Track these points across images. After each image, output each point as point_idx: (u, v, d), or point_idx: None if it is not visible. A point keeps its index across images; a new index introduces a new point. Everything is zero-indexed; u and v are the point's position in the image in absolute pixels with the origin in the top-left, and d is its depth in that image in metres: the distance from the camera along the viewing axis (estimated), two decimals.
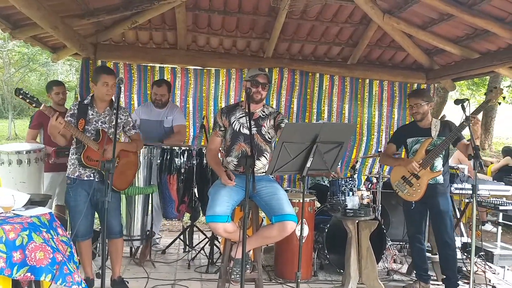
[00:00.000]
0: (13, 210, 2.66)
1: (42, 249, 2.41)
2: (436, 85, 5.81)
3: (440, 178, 3.58)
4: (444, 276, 3.63)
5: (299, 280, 2.65)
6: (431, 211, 3.65)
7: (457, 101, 3.26)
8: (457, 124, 3.47)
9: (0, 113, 17.82)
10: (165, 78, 5.20)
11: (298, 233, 3.65)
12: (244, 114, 3.21)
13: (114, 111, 3.21)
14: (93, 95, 3.37)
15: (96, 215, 3.46)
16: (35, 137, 4.45)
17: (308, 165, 2.70)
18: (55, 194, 4.33)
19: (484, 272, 4.01)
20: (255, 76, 3.13)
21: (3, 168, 3.89)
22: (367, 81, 5.61)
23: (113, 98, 3.38)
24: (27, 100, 3.10)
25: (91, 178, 3.27)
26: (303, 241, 2.80)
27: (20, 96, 3.08)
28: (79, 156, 3.24)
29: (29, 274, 2.35)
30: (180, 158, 4.35)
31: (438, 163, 3.58)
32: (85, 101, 3.36)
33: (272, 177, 3.30)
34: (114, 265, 3.43)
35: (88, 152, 3.26)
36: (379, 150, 5.39)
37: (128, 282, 3.41)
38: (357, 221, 2.99)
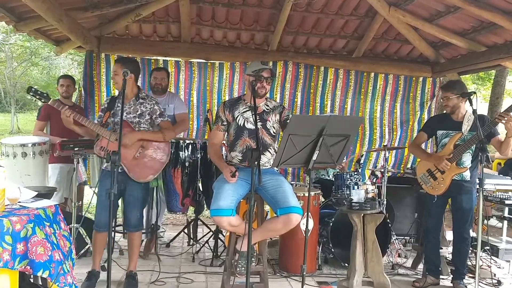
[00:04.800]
0: (19, 202, 2.67)
1: (43, 245, 2.43)
2: (441, 79, 5.77)
3: (467, 175, 3.51)
4: (453, 268, 3.66)
5: (304, 273, 2.64)
6: (453, 206, 3.61)
7: (464, 94, 3.24)
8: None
9: (3, 107, 17.85)
10: (169, 71, 5.18)
11: (303, 227, 3.65)
12: (248, 108, 3.19)
13: (140, 100, 3.32)
14: None
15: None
16: (43, 129, 4.47)
17: (314, 158, 2.68)
18: (65, 187, 4.33)
19: (489, 266, 4.00)
20: (260, 71, 3.10)
21: (8, 161, 3.90)
22: (372, 74, 5.57)
23: (140, 89, 3.40)
24: (37, 97, 3.27)
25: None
26: (308, 235, 2.79)
27: (31, 94, 3.26)
28: (95, 147, 3.25)
29: (28, 267, 2.36)
30: (184, 151, 4.34)
31: (466, 158, 3.51)
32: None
33: (277, 170, 3.28)
34: (129, 258, 3.43)
35: (102, 143, 3.27)
36: (384, 144, 5.37)
37: (136, 274, 3.41)
38: (362, 214, 2.97)
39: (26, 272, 2.52)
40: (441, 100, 3.64)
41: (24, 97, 17.63)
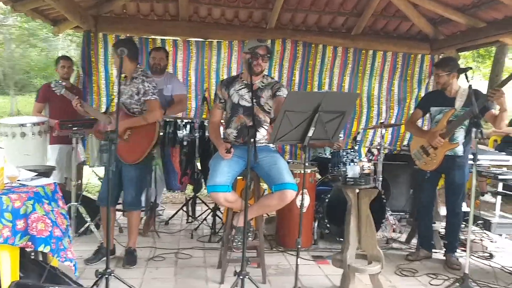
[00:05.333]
0: (19, 180, 2.72)
1: (43, 221, 2.48)
2: (440, 56, 5.74)
3: (460, 150, 3.55)
4: (446, 241, 3.75)
5: (299, 246, 2.70)
6: (446, 181, 3.68)
7: (460, 70, 3.24)
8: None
9: (2, 90, 17.81)
10: (168, 51, 5.16)
11: (299, 203, 3.71)
12: (243, 86, 3.21)
13: (133, 80, 3.33)
14: None
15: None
16: (41, 110, 4.50)
17: (310, 134, 2.71)
18: (65, 167, 4.39)
19: (481, 240, 4.08)
20: (255, 48, 3.11)
21: (7, 140, 3.94)
22: (371, 52, 5.54)
23: (138, 68, 3.40)
24: (57, 87, 3.62)
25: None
26: (304, 211, 2.84)
27: (53, 85, 3.64)
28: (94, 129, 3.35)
29: (29, 243, 2.42)
30: (182, 130, 4.38)
31: (459, 134, 3.55)
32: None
33: (273, 148, 3.32)
34: (128, 236, 3.50)
35: (99, 126, 3.35)
36: (381, 121, 5.38)
37: (135, 251, 3.49)
38: (357, 190, 3.01)
39: (27, 249, 2.59)
40: (434, 76, 3.66)
41: (23, 80, 17.56)
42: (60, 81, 3.71)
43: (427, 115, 3.85)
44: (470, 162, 4.14)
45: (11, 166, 2.72)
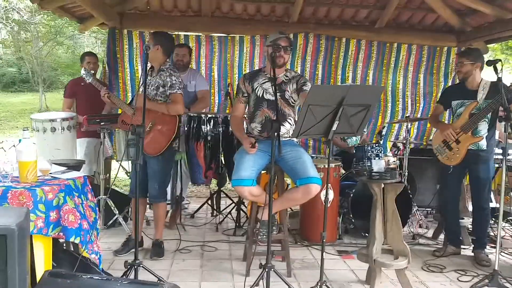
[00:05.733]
0: (51, 173, 2.81)
1: (73, 213, 2.54)
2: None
3: (483, 144, 3.48)
4: (474, 238, 3.67)
5: (324, 240, 2.70)
6: (470, 176, 3.62)
7: (489, 62, 3.15)
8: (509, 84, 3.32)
9: (31, 87, 18.30)
10: (190, 46, 5.21)
11: (323, 197, 3.70)
12: (267, 80, 3.21)
13: (160, 72, 3.37)
14: None
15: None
16: (71, 106, 4.60)
17: (334, 128, 2.70)
18: (93, 161, 4.49)
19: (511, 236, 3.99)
20: (277, 40, 3.10)
21: (38, 135, 4.07)
22: (395, 45, 5.45)
23: (166, 61, 3.44)
24: (87, 77, 3.69)
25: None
26: (328, 205, 2.84)
27: (83, 73, 3.70)
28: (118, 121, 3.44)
29: (61, 234, 2.49)
30: (206, 125, 4.42)
31: (483, 127, 3.47)
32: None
33: (297, 142, 3.32)
34: (155, 227, 3.57)
35: (123, 117, 3.42)
36: (406, 115, 5.30)
37: (162, 243, 3.55)
38: (382, 184, 2.99)
39: (59, 239, 2.68)
40: (456, 65, 3.60)
41: (51, 76, 18.02)
42: (88, 70, 3.78)
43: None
44: (495, 156, 4.08)
45: (43, 159, 2.81)
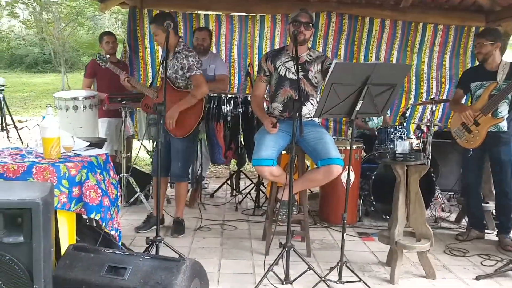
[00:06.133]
0: (74, 150, 2.84)
1: (95, 190, 2.57)
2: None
3: (504, 126, 3.39)
4: (498, 222, 3.61)
5: (345, 221, 2.67)
6: (491, 159, 3.52)
7: None
8: None
9: (53, 67, 18.55)
10: (210, 26, 5.16)
11: (343, 179, 3.66)
12: (290, 58, 3.14)
13: (177, 54, 3.34)
14: None
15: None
16: (90, 85, 4.64)
17: (357, 108, 2.64)
18: (114, 140, 4.53)
19: None
20: (297, 16, 3.03)
21: (61, 113, 4.12)
22: (421, 25, 5.29)
23: (181, 42, 3.39)
24: (100, 61, 3.67)
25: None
26: (350, 186, 2.79)
27: (98, 58, 3.69)
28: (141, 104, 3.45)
29: (83, 209, 2.53)
30: (226, 106, 4.39)
31: (503, 108, 3.38)
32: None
33: (318, 122, 3.27)
34: (176, 205, 3.60)
35: (146, 100, 3.45)
36: (431, 97, 5.17)
37: (183, 221, 3.59)
38: (406, 166, 2.93)
39: (82, 214, 2.73)
40: (475, 47, 3.48)
41: (73, 57, 18.20)
42: (103, 55, 3.75)
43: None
44: None
45: (67, 135, 2.84)
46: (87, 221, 2.94)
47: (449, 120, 5.44)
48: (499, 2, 5.02)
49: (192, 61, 3.32)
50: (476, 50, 3.48)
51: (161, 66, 3.38)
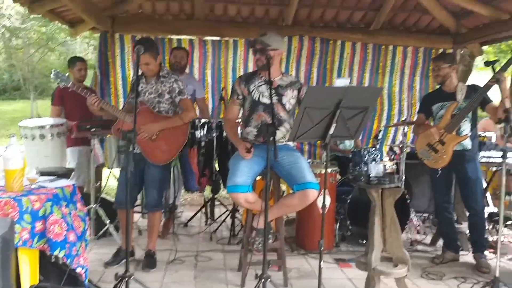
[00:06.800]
0: (38, 182, 2.70)
1: (60, 224, 2.46)
2: (462, 52, 5.58)
3: (468, 144, 3.46)
4: (472, 241, 3.62)
5: (321, 248, 2.61)
6: (458, 178, 3.57)
7: (487, 63, 3.10)
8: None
9: (22, 94, 18.13)
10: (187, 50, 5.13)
11: (319, 204, 3.61)
12: (263, 83, 3.12)
13: (161, 78, 3.29)
14: None
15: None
16: (60, 114, 4.43)
17: (331, 132, 2.62)
18: (84, 169, 4.34)
19: (511, 242, 3.92)
20: (253, 43, 3.04)
21: (27, 142, 3.95)
22: (391, 47, 5.41)
23: (163, 67, 3.36)
24: (59, 80, 3.25)
25: (134, 151, 3.25)
26: (325, 211, 2.74)
27: (53, 77, 3.26)
28: (113, 128, 3.28)
29: (46, 246, 2.39)
30: (200, 131, 4.32)
31: (465, 127, 3.47)
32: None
33: (293, 146, 3.24)
34: (148, 237, 3.46)
35: (118, 125, 3.29)
36: (403, 119, 5.25)
37: (155, 254, 3.45)
38: (381, 189, 2.91)
39: (45, 251, 2.57)
40: (433, 69, 3.62)
41: (43, 83, 17.82)
42: (61, 73, 3.27)
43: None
44: (493, 160, 4.03)
45: (32, 168, 2.71)
46: (53, 257, 2.79)
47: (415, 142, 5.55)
48: (465, 25, 5.20)
49: (182, 85, 3.34)
50: (435, 73, 3.60)
51: (132, 91, 3.30)
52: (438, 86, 3.70)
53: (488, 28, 4.86)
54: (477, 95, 3.28)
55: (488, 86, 3.21)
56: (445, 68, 3.50)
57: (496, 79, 3.05)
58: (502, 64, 3.10)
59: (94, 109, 3.28)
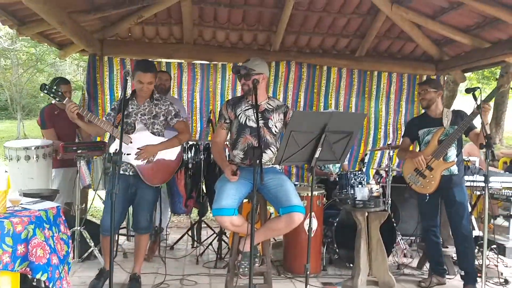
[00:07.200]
0: (21, 204, 2.67)
1: (42, 247, 2.42)
2: (446, 78, 5.73)
3: (455, 169, 3.50)
4: (463, 272, 3.51)
5: (308, 272, 2.60)
6: (446, 203, 3.57)
7: (468, 90, 3.19)
8: (469, 113, 3.39)
9: (10, 114, 17.95)
10: (172, 73, 5.17)
11: (306, 227, 3.61)
12: (250, 107, 3.17)
13: (155, 101, 3.34)
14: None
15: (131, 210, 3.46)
16: (55, 135, 4.26)
17: (316, 155, 2.65)
18: (69, 191, 4.28)
19: (496, 265, 3.94)
20: (238, 70, 3.10)
21: (11, 164, 3.91)
22: (376, 73, 5.54)
23: (154, 90, 3.39)
24: (51, 95, 3.19)
25: (126, 173, 3.25)
26: (312, 235, 2.75)
27: (45, 91, 3.19)
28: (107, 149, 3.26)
29: (28, 269, 2.35)
30: (187, 153, 4.33)
31: (452, 153, 3.51)
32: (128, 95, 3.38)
33: (280, 169, 3.26)
34: (134, 260, 3.41)
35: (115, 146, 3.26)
36: (388, 143, 5.32)
37: (140, 277, 3.38)
38: (366, 213, 2.93)
39: (27, 275, 2.52)
40: (419, 94, 3.69)
41: (30, 104, 17.71)
42: (53, 88, 3.22)
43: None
44: (477, 184, 4.10)
45: (15, 190, 2.68)
46: (34, 281, 2.73)
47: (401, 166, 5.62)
48: (447, 53, 5.36)
49: (177, 108, 3.44)
50: (420, 97, 3.67)
51: (114, 110, 3.33)
52: (423, 111, 3.75)
53: (470, 56, 5.02)
54: (464, 123, 3.34)
55: (474, 114, 3.27)
56: (431, 93, 3.57)
57: (482, 107, 3.13)
58: (487, 95, 3.20)
59: (73, 116, 3.15)
